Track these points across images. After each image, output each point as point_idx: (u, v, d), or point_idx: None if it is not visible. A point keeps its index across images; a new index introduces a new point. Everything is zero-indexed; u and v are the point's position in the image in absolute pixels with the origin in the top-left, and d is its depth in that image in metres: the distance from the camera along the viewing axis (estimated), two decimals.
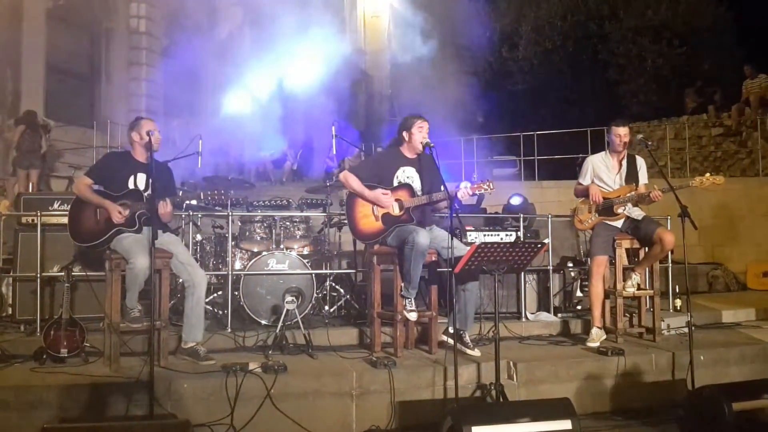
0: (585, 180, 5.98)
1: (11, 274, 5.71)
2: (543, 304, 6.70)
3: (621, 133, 5.79)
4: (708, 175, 5.71)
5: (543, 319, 6.46)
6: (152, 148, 4.78)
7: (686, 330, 5.26)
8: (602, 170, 5.93)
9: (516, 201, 8.52)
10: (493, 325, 4.58)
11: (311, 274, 6.17)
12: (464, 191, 5.12)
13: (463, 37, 18.00)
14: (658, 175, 6.03)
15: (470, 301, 5.21)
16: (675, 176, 13.22)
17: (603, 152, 6.05)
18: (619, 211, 5.81)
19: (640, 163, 5.96)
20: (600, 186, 5.89)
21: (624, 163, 5.91)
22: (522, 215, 7.02)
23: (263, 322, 5.91)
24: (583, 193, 5.94)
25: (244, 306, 5.97)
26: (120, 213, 4.75)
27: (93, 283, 5.43)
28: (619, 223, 5.86)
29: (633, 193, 5.77)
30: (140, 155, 4.99)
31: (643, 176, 5.92)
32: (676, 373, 5.30)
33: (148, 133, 4.83)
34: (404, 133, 5.31)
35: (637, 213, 5.87)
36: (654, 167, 6.17)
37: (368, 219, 5.24)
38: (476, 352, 5.13)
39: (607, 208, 5.83)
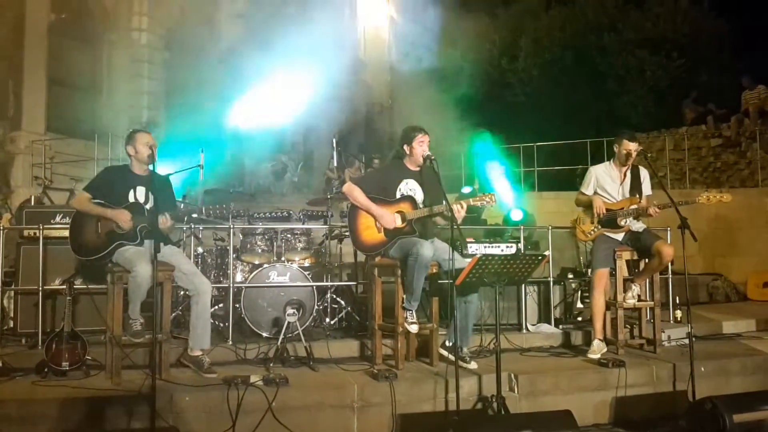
0: (588, 190, 5.97)
1: (13, 287, 5.72)
2: (544, 316, 6.70)
3: (631, 148, 5.77)
4: (714, 192, 5.68)
5: (544, 331, 6.47)
6: (154, 161, 4.84)
7: (687, 341, 5.28)
8: (606, 181, 5.92)
9: (516, 217, 8.35)
10: (494, 336, 4.58)
11: (312, 286, 6.18)
12: (460, 213, 5.06)
13: (463, 48, 18.09)
14: (657, 186, 6.04)
15: (471, 313, 5.22)
16: (674, 187, 13.26)
17: (607, 162, 6.05)
18: (622, 223, 5.81)
19: (644, 174, 5.94)
20: (603, 197, 5.89)
21: (628, 174, 5.90)
22: (522, 227, 7.04)
23: (264, 334, 5.91)
24: (585, 203, 5.94)
25: (245, 318, 5.98)
26: (126, 215, 4.76)
27: (95, 297, 5.46)
28: (620, 236, 5.87)
29: (635, 206, 5.77)
30: (138, 168, 5.01)
31: (646, 188, 5.91)
32: (677, 384, 5.29)
33: (148, 146, 4.87)
34: (405, 147, 5.34)
35: (638, 225, 5.89)
36: (653, 178, 6.19)
37: (370, 230, 5.25)
38: (473, 365, 5.13)
39: (610, 220, 5.83)
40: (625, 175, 5.91)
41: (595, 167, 6.09)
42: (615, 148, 5.93)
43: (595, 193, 5.93)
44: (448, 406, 4.67)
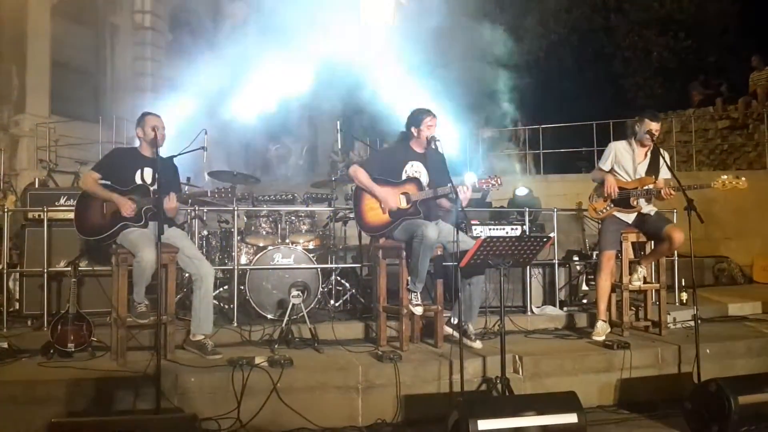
0: (605, 165, 5.85)
1: (18, 269, 5.74)
2: (548, 298, 6.69)
3: (653, 128, 5.64)
4: (731, 177, 5.46)
5: (548, 313, 6.47)
6: (157, 144, 4.85)
7: (692, 323, 5.26)
8: (625, 159, 5.80)
9: (522, 192, 8.45)
10: (498, 318, 4.57)
11: (317, 268, 6.19)
12: (466, 194, 5.06)
13: (468, 30, 17.97)
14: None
15: (475, 294, 5.22)
16: (681, 170, 13.18)
17: (627, 140, 5.91)
18: (635, 203, 5.71)
19: (665, 156, 5.77)
20: (619, 175, 5.79)
21: (649, 154, 5.77)
22: (527, 209, 7.01)
23: (269, 316, 5.93)
24: (601, 179, 5.83)
25: (250, 300, 5.99)
26: (130, 206, 4.77)
27: (100, 278, 5.47)
28: (630, 218, 5.81)
29: (648, 186, 5.67)
30: (146, 150, 5.03)
31: (665, 171, 5.73)
32: (682, 366, 5.28)
33: (153, 129, 4.88)
34: (413, 129, 5.30)
35: (649, 208, 5.80)
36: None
37: (375, 211, 5.24)
38: (478, 344, 5.15)
39: (622, 200, 5.75)
40: (645, 155, 5.79)
41: (615, 143, 5.96)
42: (636, 128, 5.76)
43: (612, 169, 5.84)
44: (453, 387, 4.68)
